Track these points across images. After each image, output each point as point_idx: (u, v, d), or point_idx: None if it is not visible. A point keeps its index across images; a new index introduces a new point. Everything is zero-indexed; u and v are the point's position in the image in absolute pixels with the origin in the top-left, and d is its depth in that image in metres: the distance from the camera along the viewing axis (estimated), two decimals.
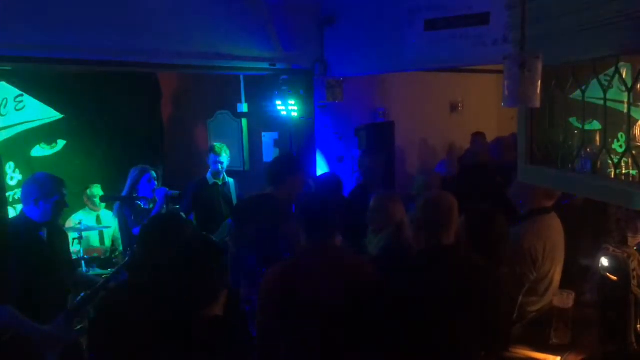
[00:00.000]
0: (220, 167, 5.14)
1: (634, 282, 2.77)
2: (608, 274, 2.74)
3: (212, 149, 5.19)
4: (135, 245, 2.53)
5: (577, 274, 3.42)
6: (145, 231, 2.46)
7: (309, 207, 2.64)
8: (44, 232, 3.31)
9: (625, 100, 2.25)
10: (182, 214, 4.57)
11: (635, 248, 3.02)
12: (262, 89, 5.76)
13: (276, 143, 6.12)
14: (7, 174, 5.03)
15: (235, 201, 5.27)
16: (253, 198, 3.55)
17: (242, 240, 3.26)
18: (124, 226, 4.61)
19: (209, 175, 5.21)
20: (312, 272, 2.48)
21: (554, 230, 3.21)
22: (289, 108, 5.51)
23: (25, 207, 3.27)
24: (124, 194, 4.65)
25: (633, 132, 2.31)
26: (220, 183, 5.21)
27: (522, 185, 3.25)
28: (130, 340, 2.18)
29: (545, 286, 3.14)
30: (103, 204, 5.13)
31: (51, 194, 3.23)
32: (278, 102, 5.53)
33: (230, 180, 5.32)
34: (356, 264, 2.65)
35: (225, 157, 5.15)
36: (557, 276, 3.21)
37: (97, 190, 5.19)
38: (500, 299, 2.61)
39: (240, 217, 3.43)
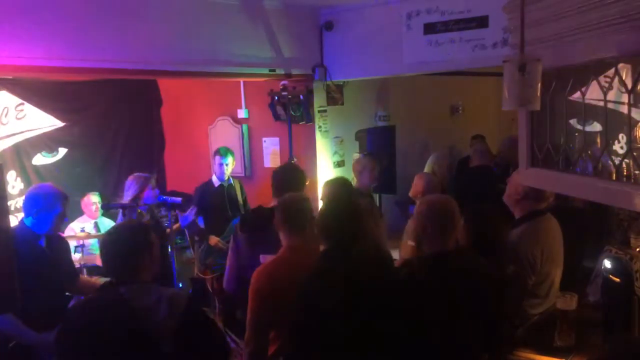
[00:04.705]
0: (224, 168, 5.24)
1: (637, 284, 2.77)
2: (611, 276, 2.73)
3: (217, 152, 5.30)
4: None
5: (580, 276, 3.42)
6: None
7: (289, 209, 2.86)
8: (43, 241, 3.33)
9: (626, 101, 2.25)
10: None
11: (638, 250, 3.02)
12: (262, 94, 5.77)
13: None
14: (8, 183, 5.04)
15: (241, 202, 5.33)
16: (271, 208, 3.55)
17: (256, 246, 3.32)
18: None
19: (214, 178, 5.31)
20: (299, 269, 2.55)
21: (551, 232, 3.20)
22: (289, 113, 5.52)
23: (26, 217, 3.29)
24: (125, 201, 4.65)
25: (634, 133, 2.31)
26: (225, 185, 5.28)
27: (509, 190, 3.25)
28: (96, 352, 2.19)
29: (546, 288, 3.13)
30: (101, 212, 5.13)
31: (52, 207, 3.25)
32: (278, 107, 5.53)
33: (235, 182, 5.41)
34: None
35: (229, 159, 5.25)
36: (557, 278, 3.20)
37: (95, 198, 5.19)
38: (503, 301, 2.60)
39: (257, 225, 3.46)
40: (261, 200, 4.02)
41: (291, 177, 3.68)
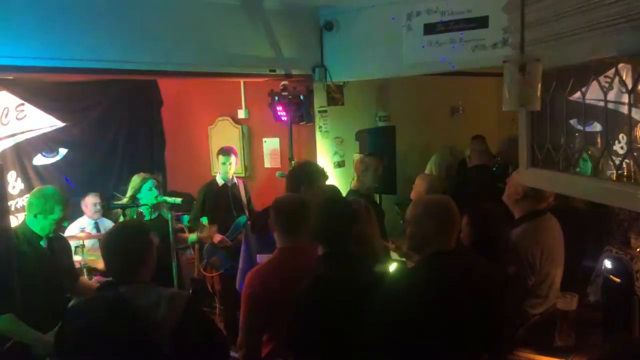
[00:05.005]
0: (228, 167, 5.27)
1: (638, 284, 2.77)
2: (611, 276, 2.73)
3: (220, 151, 5.34)
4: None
5: (580, 276, 3.42)
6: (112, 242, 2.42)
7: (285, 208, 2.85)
8: (44, 242, 3.34)
9: (626, 101, 2.25)
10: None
11: (638, 250, 3.02)
12: (262, 94, 5.77)
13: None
14: (8, 183, 5.04)
15: (246, 202, 5.36)
16: None
17: (267, 247, 3.30)
18: None
19: (218, 178, 5.34)
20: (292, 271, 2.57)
21: (551, 232, 3.20)
22: (289, 113, 5.52)
23: (27, 218, 3.31)
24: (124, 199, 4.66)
25: (634, 133, 2.31)
26: (229, 184, 5.30)
27: (509, 190, 3.25)
28: (96, 351, 2.20)
29: (547, 288, 3.14)
30: (101, 212, 5.13)
31: (51, 211, 3.26)
32: (278, 108, 5.54)
33: (240, 182, 5.45)
34: None
35: (232, 158, 5.29)
36: (558, 278, 3.20)
37: (95, 198, 5.18)
38: (503, 301, 2.60)
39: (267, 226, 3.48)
40: (262, 200, 4.02)
41: (301, 176, 3.66)
